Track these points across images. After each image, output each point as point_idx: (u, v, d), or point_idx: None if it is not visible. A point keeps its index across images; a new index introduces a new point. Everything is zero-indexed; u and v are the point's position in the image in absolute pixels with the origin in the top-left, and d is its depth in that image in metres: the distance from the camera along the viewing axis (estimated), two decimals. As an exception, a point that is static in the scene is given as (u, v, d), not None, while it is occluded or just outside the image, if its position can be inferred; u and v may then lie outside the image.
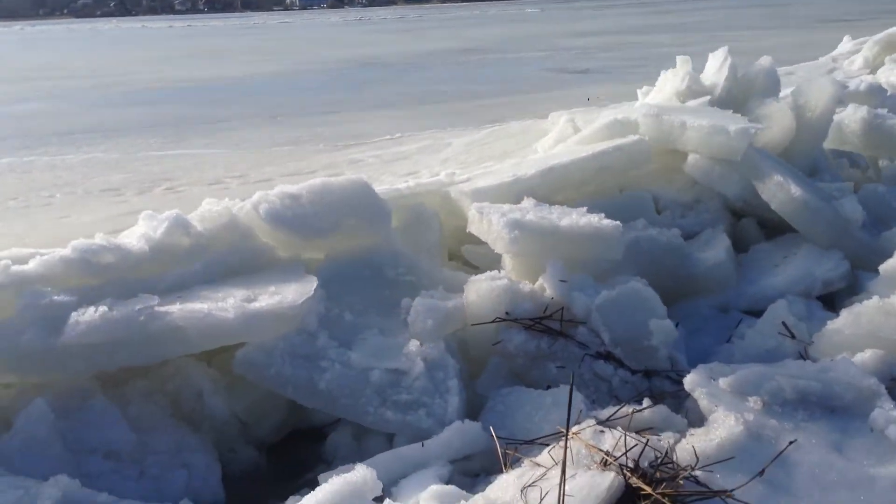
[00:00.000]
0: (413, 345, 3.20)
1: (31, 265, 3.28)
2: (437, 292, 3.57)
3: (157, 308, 3.07)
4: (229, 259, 3.52)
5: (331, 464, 3.25)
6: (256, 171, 7.00)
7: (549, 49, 23.55)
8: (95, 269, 3.30)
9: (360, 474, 2.35)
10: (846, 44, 12.16)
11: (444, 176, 4.84)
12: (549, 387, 3.21)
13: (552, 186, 4.34)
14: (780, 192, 4.25)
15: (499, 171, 4.63)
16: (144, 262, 3.40)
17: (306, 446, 3.45)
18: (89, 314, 3.02)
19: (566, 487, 2.33)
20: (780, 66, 6.74)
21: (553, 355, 3.34)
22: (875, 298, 3.51)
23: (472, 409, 3.19)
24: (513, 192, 4.20)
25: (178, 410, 3.28)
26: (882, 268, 3.86)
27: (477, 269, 4.22)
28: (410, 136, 8.67)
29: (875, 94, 6.58)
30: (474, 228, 3.92)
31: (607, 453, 2.56)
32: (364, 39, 33.84)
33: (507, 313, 3.40)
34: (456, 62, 20.74)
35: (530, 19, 50.94)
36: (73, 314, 3.03)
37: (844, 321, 3.48)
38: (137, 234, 3.53)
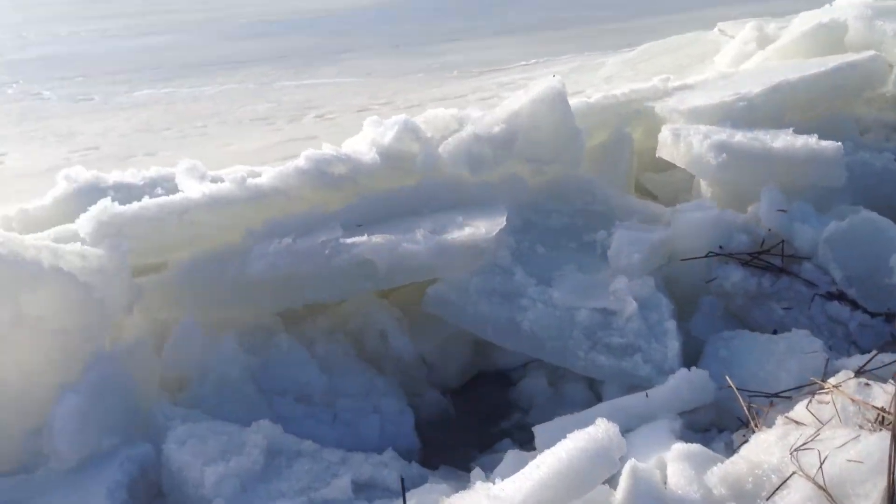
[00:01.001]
0: (620, 282, 2.87)
1: (266, 178, 3.16)
2: (633, 224, 3.21)
3: (342, 240, 2.84)
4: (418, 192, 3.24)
5: (527, 412, 3.02)
6: (400, 97, 6.78)
7: None
8: (329, 180, 3.15)
9: (602, 430, 2.05)
10: None
11: (657, 81, 4.27)
12: (775, 331, 2.83)
13: (779, 106, 3.80)
14: None
15: (704, 87, 4.12)
16: (376, 171, 3.25)
17: (494, 391, 3.21)
18: (274, 247, 2.83)
19: (847, 452, 1.99)
20: None
21: (777, 295, 2.94)
22: None
23: (687, 355, 2.84)
24: (735, 112, 3.68)
25: (362, 351, 3.08)
26: None
27: (657, 201, 3.84)
28: (548, 61, 8.26)
29: None
30: (666, 153, 3.52)
31: (883, 410, 2.19)
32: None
33: (720, 247, 3.03)
34: None
35: None
36: (256, 247, 2.85)
37: None
38: (366, 142, 3.32)
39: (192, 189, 3.13)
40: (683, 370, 2.60)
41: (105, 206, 2.88)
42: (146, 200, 2.99)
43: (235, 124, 6.19)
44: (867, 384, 2.38)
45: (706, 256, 3.03)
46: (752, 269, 2.97)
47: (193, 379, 2.75)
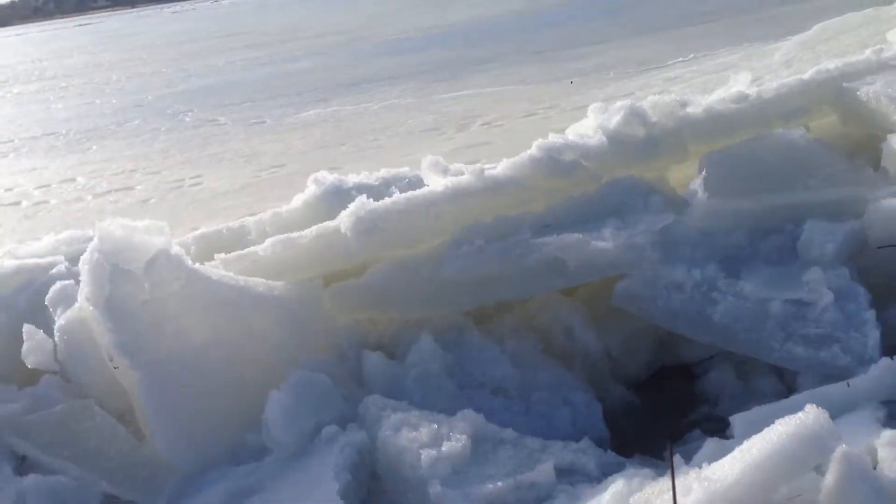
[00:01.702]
0: (814, 272, 2.84)
1: (501, 169, 3.38)
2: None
3: (532, 240, 2.98)
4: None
5: (716, 404, 3.04)
6: (563, 100, 6.89)
7: None
8: (561, 168, 3.32)
9: (813, 416, 2.05)
10: None
11: (870, 53, 4.02)
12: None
13: None
14: None
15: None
16: (605, 155, 3.39)
17: (678, 384, 3.24)
18: (466, 248, 3.01)
19: None
20: None
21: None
22: None
23: (888, 345, 2.76)
24: None
25: (549, 347, 3.20)
26: None
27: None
28: (706, 55, 8.10)
29: None
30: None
31: None
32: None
33: None
34: None
35: None
36: (450, 249, 3.03)
37: None
38: (592, 127, 3.49)
39: (435, 182, 3.41)
40: (886, 359, 2.53)
41: (362, 203, 3.19)
42: (396, 196, 3.28)
43: (406, 135, 6.50)
44: None
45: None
46: None
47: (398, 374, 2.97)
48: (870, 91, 3.53)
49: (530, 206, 3.32)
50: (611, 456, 2.62)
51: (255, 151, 7.07)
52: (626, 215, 3.13)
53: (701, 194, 3.19)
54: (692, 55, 8.42)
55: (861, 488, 2.07)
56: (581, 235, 2.97)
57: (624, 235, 2.95)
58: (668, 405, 3.16)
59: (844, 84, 3.66)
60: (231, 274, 3.05)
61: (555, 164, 3.31)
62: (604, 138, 3.42)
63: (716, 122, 3.55)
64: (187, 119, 9.35)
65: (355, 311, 3.26)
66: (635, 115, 3.44)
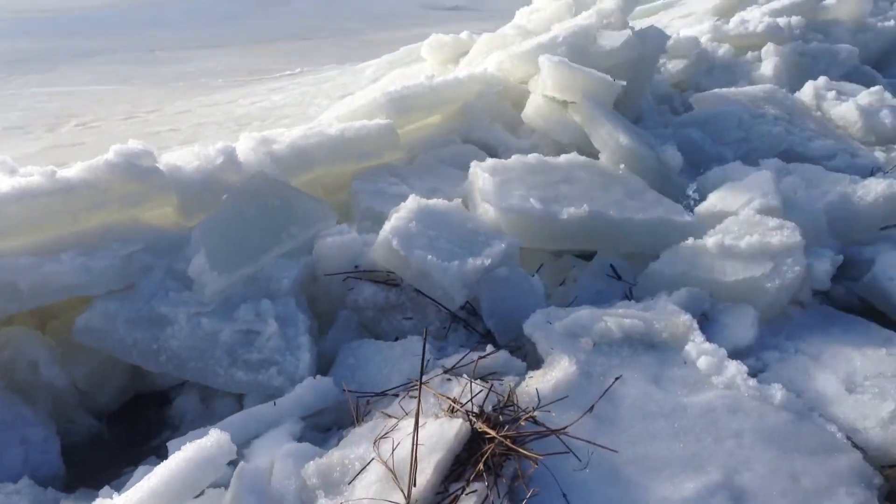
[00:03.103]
0: (264, 304, 3.27)
1: (74, 171, 3.37)
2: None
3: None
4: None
5: (178, 428, 3.25)
6: (168, 104, 6.84)
7: None
8: (137, 173, 3.47)
9: (213, 439, 2.34)
10: None
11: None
12: (397, 338, 3.35)
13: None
14: (610, 139, 4.47)
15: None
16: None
17: (151, 411, 3.42)
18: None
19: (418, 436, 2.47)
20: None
21: (401, 307, 3.46)
22: (690, 239, 3.79)
23: (326, 365, 3.27)
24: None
25: (12, 382, 3.16)
26: (696, 210, 4.16)
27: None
28: (312, 70, 8.69)
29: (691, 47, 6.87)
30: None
31: (454, 400, 2.70)
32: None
33: (356, 266, 3.51)
34: None
35: None
36: None
37: (663, 262, 3.77)
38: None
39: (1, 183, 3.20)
40: (309, 378, 3.01)
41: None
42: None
43: (-11, 133, 5.98)
44: (449, 379, 2.93)
45: (342, 274, 3.47)
46: (383, 285, 3.47)
47: None
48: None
49: (106, 210, 3.38)
50: (50, 493, 2.69)
51: None
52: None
53: (206, 273, 3.28)
54: (299, 69, 8.89)
55: (250, 499, 2.47)
56: (37, 258, 3.03)
57: (81, 259, 3.10)
58: (138, 433, 3.30)
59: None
60: None
61: (132, 168, 3.39)
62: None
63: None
64: None
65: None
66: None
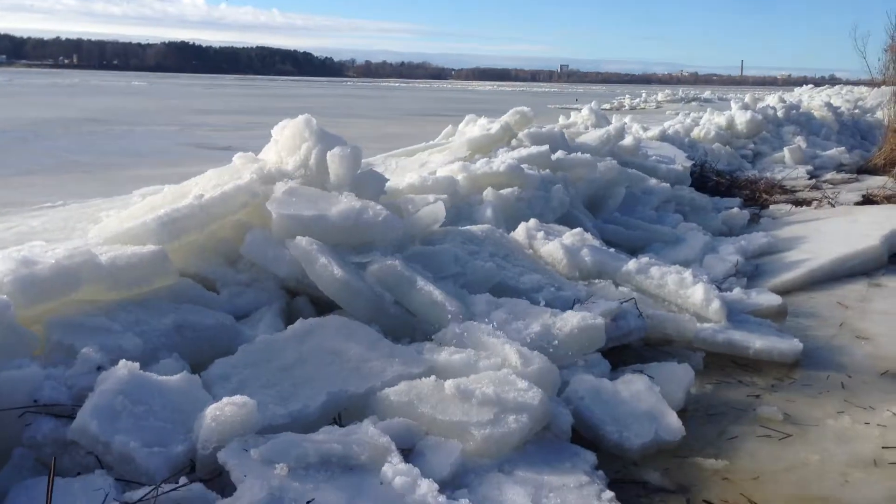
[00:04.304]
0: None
1: None
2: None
3: None
4: None
5: None
6: None
7: (179, 124, 23.88)
8: None
9: None
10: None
11: None
12: (79, 473, 3.13)
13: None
14: (325, 272, 4.64)
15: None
16: None
17: None
18: None
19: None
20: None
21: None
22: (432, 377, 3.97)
23: (-6, 507, 2.99)
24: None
25: None
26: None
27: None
28: (78, 202, 8.54)
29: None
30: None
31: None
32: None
33: (35, 401, 3.27)
34: (81, 132, 20.26)
35: (142, 92, 51.38)
36: None
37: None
38: None
39: None
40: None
41: None
42: None
43: None
44: None
45: (18, 409, 3.24)
46: (65, 420, 3.25)
47: None
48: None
49: None
50: None
51: None
52: None
53: None
54: (61, 201, 8.68)
55: None
56: None
57: None
58: None
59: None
60: None
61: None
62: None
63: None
64: None
65: None
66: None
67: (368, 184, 5.86)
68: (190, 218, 4.91)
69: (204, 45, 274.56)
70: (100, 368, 3.54)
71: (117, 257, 4.32)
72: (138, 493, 2.99)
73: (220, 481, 3.23)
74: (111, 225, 5.36)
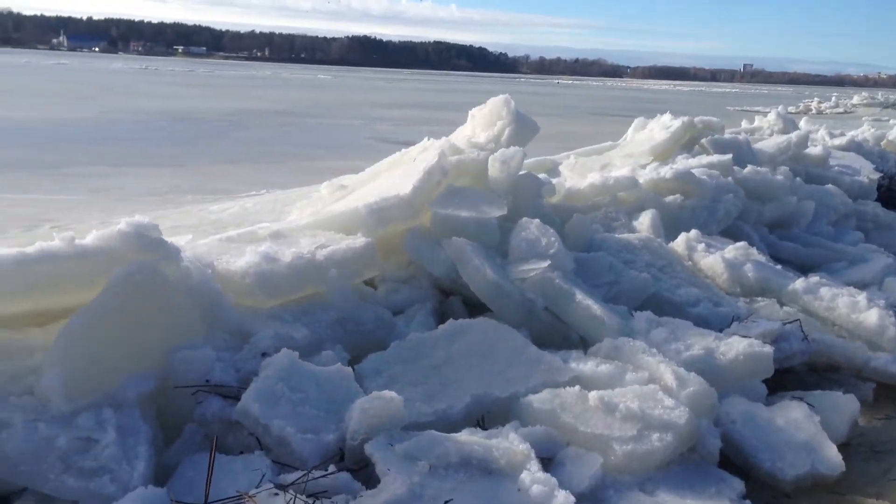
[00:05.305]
0: (106, 412, 3.29)
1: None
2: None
3: None
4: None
5: None
6: (141, 214, 7.18)
7: (364, 118, 24.60)
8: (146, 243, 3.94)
9: None
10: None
11: None
12: (241, 453, 3.39)
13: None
14: (478, 274, 4.72)
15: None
16: None
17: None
18: None
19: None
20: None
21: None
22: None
23: (166, 476, 3.29)
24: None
25: None
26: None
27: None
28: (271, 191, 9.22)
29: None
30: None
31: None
32: (163, 91, 34.92)
33: (207, 381, 3.57)
34: (275, 123, 21.26)
35: (328, 86, 53.11)
36: None
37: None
38: None
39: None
40: (141, 489, 3.03)
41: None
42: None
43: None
44: (276, 494, 3.01)
45: (192, 387, 3.55)
46: (231, 401, 3.53)
47: None
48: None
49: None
50: None
51: None
52: None
53: (57, 393, 3.30)
54: (265, 190, 9.57)
55: None
56: None
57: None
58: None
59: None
60: None
61: (140, 238, 3.79)
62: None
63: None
64: None
65: None
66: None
67: (527, 187, 5.91)
68: (396, 209, 5.22)
69: (384, 40, 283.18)
70: (264, 355, 3.81)
71: (334, 252, 4.67)
72: (291, 477, 3.20)
73: (365, 472, 3.40)
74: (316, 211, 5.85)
